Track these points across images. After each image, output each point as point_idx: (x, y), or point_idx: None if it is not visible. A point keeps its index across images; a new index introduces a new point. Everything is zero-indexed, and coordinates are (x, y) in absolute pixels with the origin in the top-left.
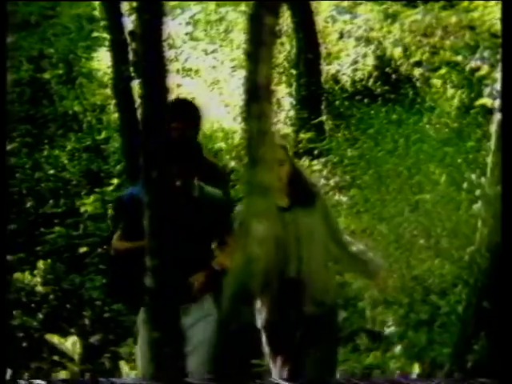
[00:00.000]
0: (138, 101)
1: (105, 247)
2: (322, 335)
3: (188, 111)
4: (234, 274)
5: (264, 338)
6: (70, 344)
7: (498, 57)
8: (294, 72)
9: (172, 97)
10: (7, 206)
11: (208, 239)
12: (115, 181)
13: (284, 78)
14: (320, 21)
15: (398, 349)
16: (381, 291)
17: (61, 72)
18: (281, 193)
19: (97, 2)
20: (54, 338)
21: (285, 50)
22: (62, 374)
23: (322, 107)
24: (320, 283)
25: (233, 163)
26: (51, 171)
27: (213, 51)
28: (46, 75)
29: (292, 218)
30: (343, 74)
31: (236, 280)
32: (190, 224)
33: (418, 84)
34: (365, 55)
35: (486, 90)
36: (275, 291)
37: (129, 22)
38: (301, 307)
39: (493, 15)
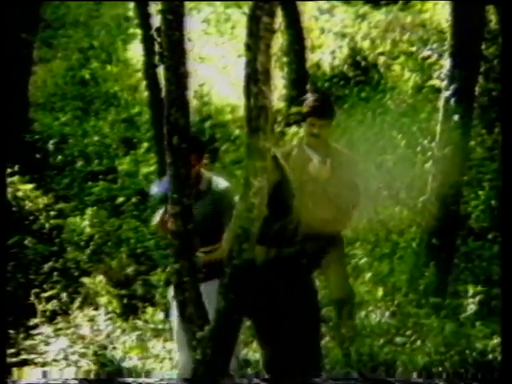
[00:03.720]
0: (162, 82)
1: (138, 197)
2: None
3: None
4: (236, 220)
5: None
6: (97, 281)
7: (444, 48)
8: (285, 59)
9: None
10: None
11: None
12: (145, 145)
13: (278, 64)
14: (305, 19)
15: (367, 276)
16: None
17: (103, 59)
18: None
19: (131, 5)
20: (86, 279)
21: (279, 42)
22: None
23: (307, 87)
24: None
25: (237, 131)
26: (96, 138)
27: (222, 43)
28: (92, 62)
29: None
30: (324, 61)
31: (238, 224)
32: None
33: (382, 69)
34: (340, 47)
35: (435, 74)
36: None
37: (156, 21)
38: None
39: (440, 16)
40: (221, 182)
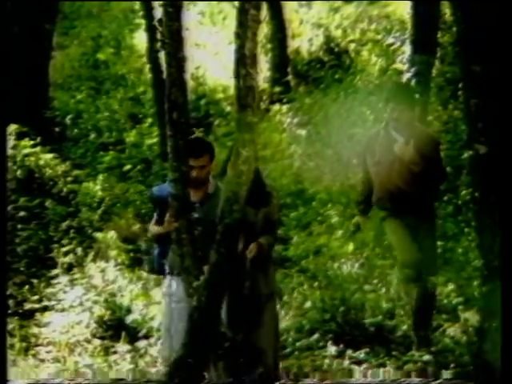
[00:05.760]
0: (164, 65)
1: (143, 165)
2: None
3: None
4: (227, 184)
5: None
6: (108, 237)
7: (406, 36)
8: (269, 46)
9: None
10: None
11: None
12: (149, 120)
13: (263, 50)
14: (287, 12)
15: (339, 233)
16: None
17: (113, 46)
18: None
19: None
20: (98, 236)
21: (264, 31)
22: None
23: (289, 70)
24: None
25: (228, 108)
26: (106, 113)
27: (215, 32)
28: (103, 48)
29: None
30: (303, 48)
31: (229, 188)
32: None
33: (352, 55)
34: (317, 35)
35: (398, 59)
36: None
37: (158, 13)
38: None
39: (402, 9)
40: None
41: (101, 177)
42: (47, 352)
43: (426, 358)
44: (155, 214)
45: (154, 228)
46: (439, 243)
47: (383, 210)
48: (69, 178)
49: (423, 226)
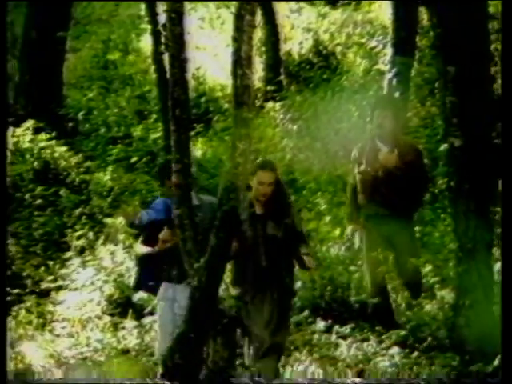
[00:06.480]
0: (167, 66)
1: (148, 157)
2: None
3: None
4: (226, 175)
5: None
6: (117, 223)
7: (387, 40)
8: (263, 49)
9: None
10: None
11: None
12: (154, 116)
13: (257, 52)
14: (279, 18)
15: (327, 219)
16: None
17: (121, 49)
18: (260, 204)
19: (143, 5)
20: (107, 221)
21: (258, 35)
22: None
23: (281, 70)
24: None
25: (226, 105)
26: (115, 110)
27: (214, 36)
28: (112, 51)
29: (262, 226)
30: (294, 50)
31: (227, 178)
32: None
33: (339, 56)
34: (307, 39)
35: (380, 60)
36: None
37: (162, 18)
38: None
39: (384, 15)
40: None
41: (110, 168)
42: (62, 328)
43: (405, 332)
44: (142, 236)
45: (142, 248)
46: (418, 228)
47: (367, 215)
48: (81, 169)
49: (403, 230)
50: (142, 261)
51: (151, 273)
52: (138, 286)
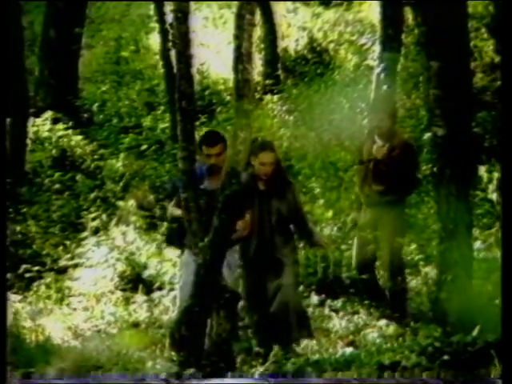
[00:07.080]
0: (174, 62)
1: (157, 145)
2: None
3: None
4: (227, 161)
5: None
6: (128, 206)
7: (376, 37)
8: (262, 45)
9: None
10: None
11: None
12: (162, 107)
13: (257, 49)
14: (277, 17)
15: (321, 202)
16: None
17: (132, 46)
18: (263, 182)
19: (152, 6)
20: (120, 204)
21: (258, 33)
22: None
23: (278, 66)
24: None
25: (228, 97)
26: (127, 102)
27: (217, 34)
28: (124, 48)
29: (266, 201)
30: (290, 47)
31: (229, 164)
32: None
33: (331, 53)
34: (302, 37)
35: (369, 56)
36: None
37: (170, 18)
38: None
39: (372, 14)
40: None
41: (122, 155)
42: (78, 302)
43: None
44: (174, 199)
45: (174, 210)
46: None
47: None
48: (95, 156)
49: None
50: (173, 220)
51: (181, 232)
52: (170, 241)
